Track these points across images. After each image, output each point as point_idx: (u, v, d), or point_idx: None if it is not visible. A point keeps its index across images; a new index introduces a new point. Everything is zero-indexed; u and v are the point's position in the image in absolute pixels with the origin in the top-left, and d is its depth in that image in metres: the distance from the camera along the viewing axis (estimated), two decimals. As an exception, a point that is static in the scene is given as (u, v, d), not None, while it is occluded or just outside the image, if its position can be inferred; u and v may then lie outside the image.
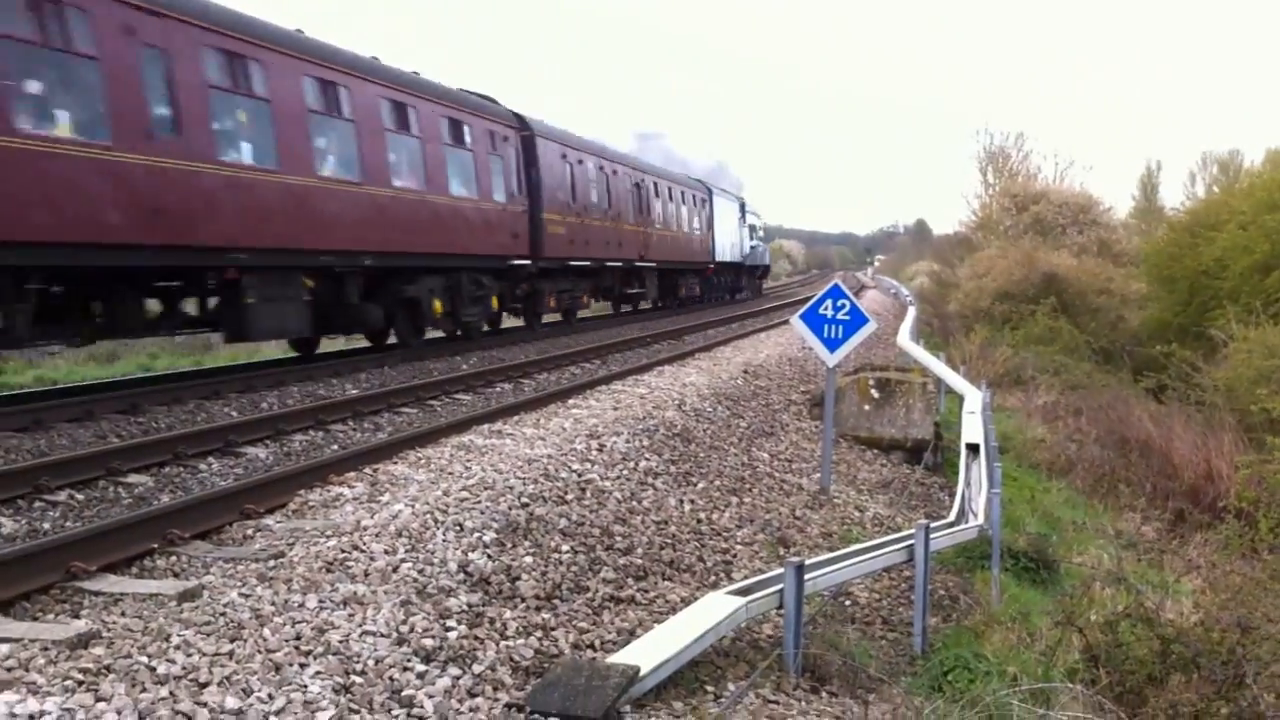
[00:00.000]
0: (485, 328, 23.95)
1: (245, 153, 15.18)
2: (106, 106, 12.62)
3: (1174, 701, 6.43)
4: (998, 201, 59.29)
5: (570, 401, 14.20)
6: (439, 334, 22.66)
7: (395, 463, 10.08)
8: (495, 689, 5.78)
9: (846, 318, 12.16)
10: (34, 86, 11.86)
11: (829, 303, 12.20)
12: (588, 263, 29.20)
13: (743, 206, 53.11)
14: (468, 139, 21.78)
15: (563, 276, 27.77)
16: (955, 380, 18.65)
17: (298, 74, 16.29)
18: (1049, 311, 34.64)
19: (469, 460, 10.11)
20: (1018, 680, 7.36)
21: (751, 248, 54.56)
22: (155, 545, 7.32)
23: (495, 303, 23.56)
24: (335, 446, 11.23)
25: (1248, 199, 34.36)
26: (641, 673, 5.74)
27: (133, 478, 9.36)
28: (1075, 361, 30.26)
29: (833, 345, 12.21)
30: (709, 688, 6.47)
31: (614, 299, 36.10)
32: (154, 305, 15.24)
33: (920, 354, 22.65)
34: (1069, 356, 30.78)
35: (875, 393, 16.19)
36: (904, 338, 26.74)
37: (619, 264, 32.43)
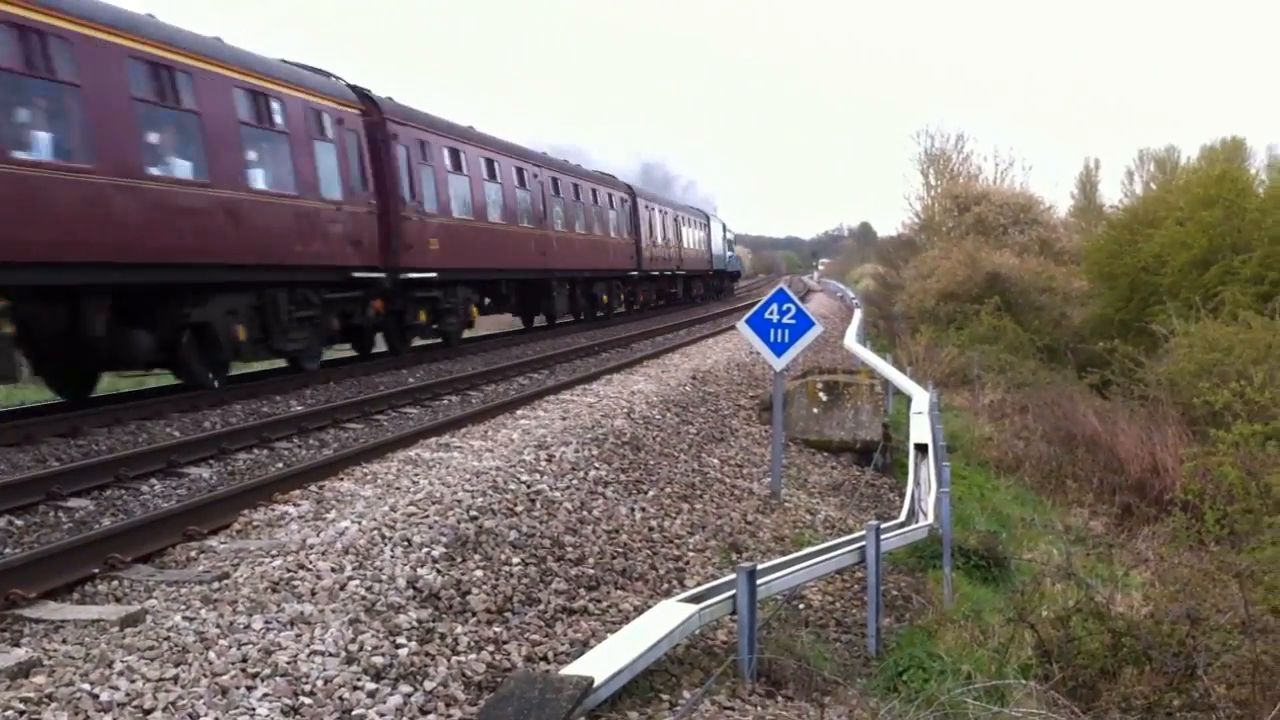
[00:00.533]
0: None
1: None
2: None
3: (1126, 694, 6.47)
4: (940, 203, 59.90)
5: (519, 412, 14.13)
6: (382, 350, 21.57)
7: (341, 479, 9.97)
8: (448, 705, 5.72)
9: (792, 322, 12.17)
10: None
11: (774, 307, 12.20)
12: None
13: (724, 226, 64.38)
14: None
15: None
16: (902, 381, 18.74)
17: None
18: (993, 311, 34.93)
19: (416, 474, 10.02)
20: (972, 678, 7.38)
21: (730, 257, 66.57)
22: (96, 570, 7.18)
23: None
24: (280, 464, 11.10)
25: (1184, 195, 34.88)
26: (596, 684, 5.70)
27: (73, 502, 9.19)
28: (1020, 360, 30.51)
29: (779, 349, 12.21)
30: (664, 696, 6.43)
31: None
32: None
33: (867, 356, 22.76)
34: (1014, 355, 31.05)
35: (824, 395, 16.22)
36: (851, 340, 26.88)
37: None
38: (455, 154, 24.02)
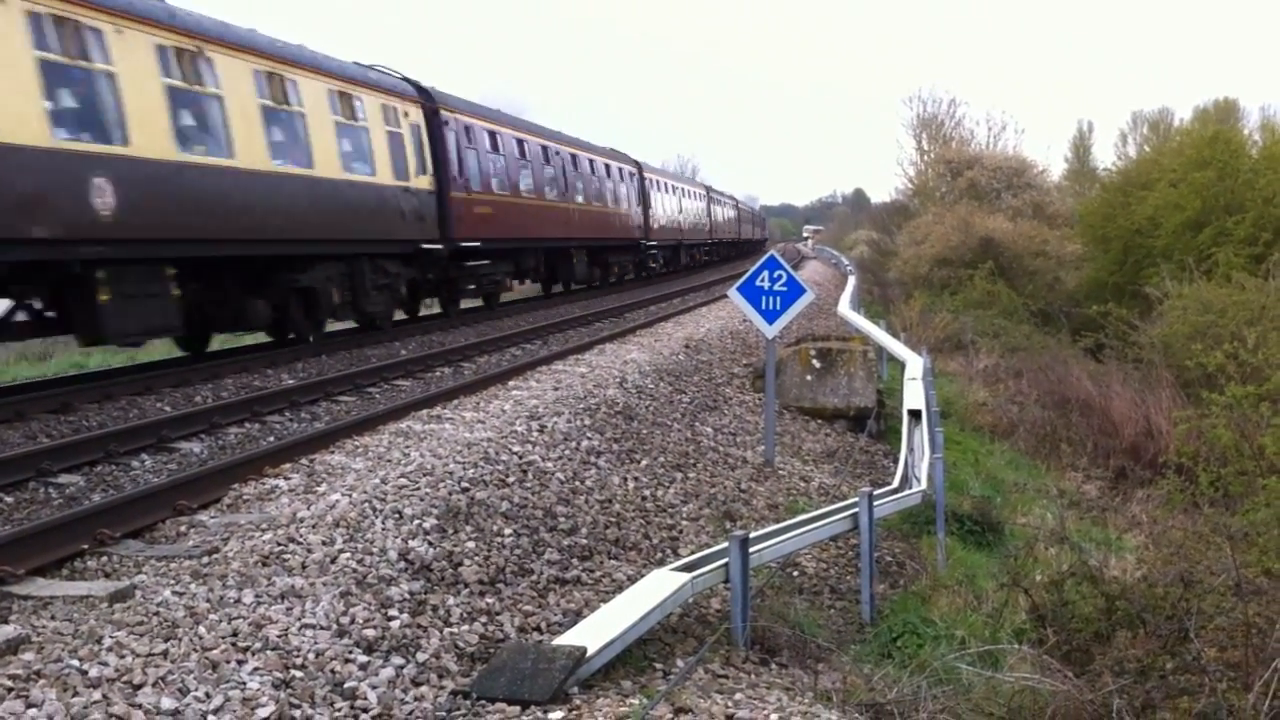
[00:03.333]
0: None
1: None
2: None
3: (1120, 658, 6.47)
4: (933, 168, 59.89)
5: (511, 383, 14.08)
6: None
7: (332, 452, 9.92)
8: (440, 676, 5.71)
9: (784, 289, 12.12)
10: None
11: (765, 274, 12.15)
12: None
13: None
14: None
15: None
16: (896, 347, 18.72)
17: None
18: (987, 275, 34.94)
19: (408, 446, 9.98)
20: (966, 643, 7.39)
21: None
22: (85, 546, 7.13)
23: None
24: (271, 438, 11.05)
25: (1178, 157, 34.88)
26: (588, 653, 5.69)
27: (64, 478, 9.14)
28: (1014, 324, 30.54)
29: (771, 317, 12.17)
30: (657, 665, 6.42)
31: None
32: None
33: (861, 322, 22.74)
34: (1008, 319, 31.08)
35: (817, 363, 16.20)
36: (844, 307, 26.85)
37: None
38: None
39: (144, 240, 13.92)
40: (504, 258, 27.42)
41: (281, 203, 16.97)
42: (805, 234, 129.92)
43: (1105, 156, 78.65)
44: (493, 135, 26.58)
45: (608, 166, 37.54)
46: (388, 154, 20.63)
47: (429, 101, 23.18)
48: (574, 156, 33.44)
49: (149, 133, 13.99)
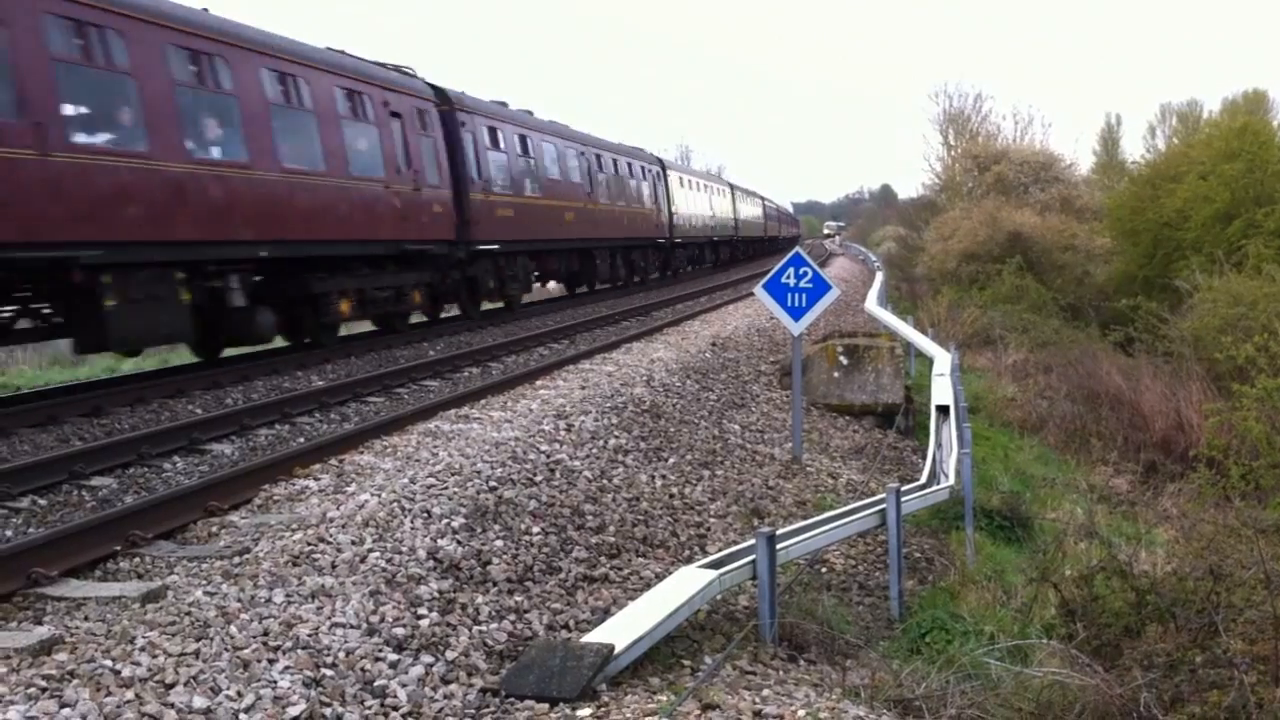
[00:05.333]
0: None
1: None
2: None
3: (1149, 652, 6.45)
4: (959, 163, 59.57)
5: (538, 383, 14.12)
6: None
7: (361, 452, 9.98)
8: (469, 674, 5.74)
9: (809, 286, 12.11)
10: None
11: (791, 271, 12.15)
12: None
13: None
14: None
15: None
16: (924, 343, 18.69)
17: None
18: (1015, 270, 34.74)
19: (436, 446, 10.03)
20: (995, 639, 7.37)
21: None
22: (118, 547, 7.21)
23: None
24: (301, 439, 11.12)
25: (1207, 149, 34.62)
26: (616, 650, 5.71)
27: (96, 480, 9.23)
28: (1043, 319, 30.36)
29: (797, 314, 12.16)
30: (685, 662, 6.44)
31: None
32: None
33: (888, 318, 22.69)
34: (1036, 314, 30.90)
35: (844, 359, 16.18)
36: (871, 303, 26.78)
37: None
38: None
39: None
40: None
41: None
42: (826, 230, 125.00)
43: (1134, 149, 78.30)
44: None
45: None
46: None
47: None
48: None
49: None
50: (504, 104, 27.60)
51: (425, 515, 7.54)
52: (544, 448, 9.85)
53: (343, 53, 19.68)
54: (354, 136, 18.82)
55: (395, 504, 7.69)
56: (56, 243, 12.23)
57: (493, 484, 8.43)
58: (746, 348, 19.48)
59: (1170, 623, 6.96)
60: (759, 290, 12.46)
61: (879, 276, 38.73)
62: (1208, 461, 12.81)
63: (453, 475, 8.53)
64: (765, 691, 5.87)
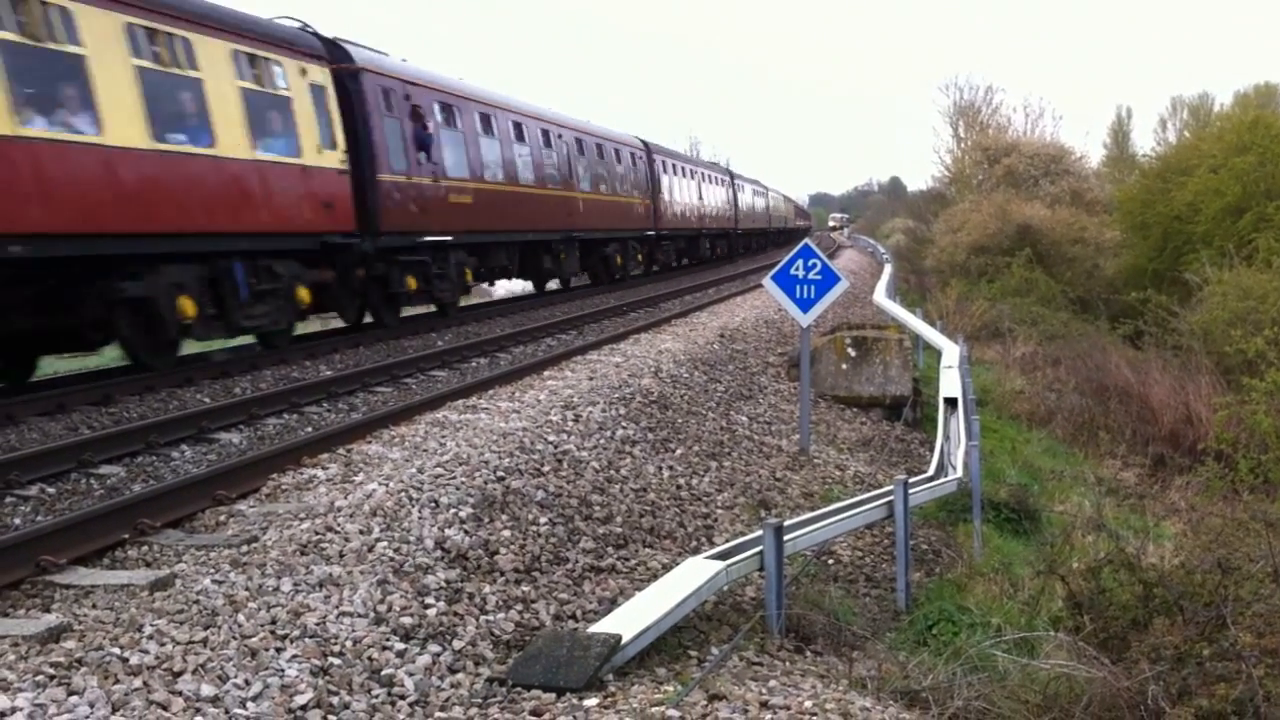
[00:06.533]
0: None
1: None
2: None
3: (1156, 645, 6.42)
4: (969, 156, 59.51)
5: (546, 373, 14.12)
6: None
7: (369, 442, 10.00)
8: (476, 664, 5.75)
9: (818, 277, 12.10)
10: None
11: (800, 263, 12.14)
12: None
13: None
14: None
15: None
16: (932, 335, 18.68)
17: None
18: (1024, 263, 34.71)
19: (444, 436, 10.04)
20: (1002, 631, 7.36)
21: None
22: (126, 535, 7.24)
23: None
24: (309, 428, 11.14)
25: (1218, 142, 34.52)
26: (623, 641, 5.71)
27: (105, 469, 9.25)
28: (1052, 311, 30.37)
29: (805, 305, 12.16)
30: (692, 652, 6.44)
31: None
32: None
33: (897, 310, 22.69)
34: (1045, 307, 30.90)
35: (852, 351, 16.16)
36: (880, 295, 26.77)
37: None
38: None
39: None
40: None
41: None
42: (832, 223, 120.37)
43: (1144, 142, 78.26)
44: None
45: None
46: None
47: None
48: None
49: None
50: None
51: (433, 505, 7.54)
52: (551, 438, 9.85)
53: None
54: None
55: (403, 493, 7.70)
56: None
57: (500, 474, 8.43)
58: (755, 339, 19.47)
59: (1178, 616, 6.94)
60: (767, 282, 12.45)
61: (887, 269, 38.70)
62: (1216, 455, 12.81)
63: (460, 465, 8.53)
64: (772, 682, 5.87)
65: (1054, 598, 8.18)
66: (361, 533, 6.93)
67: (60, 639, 5.51)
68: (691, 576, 6.63)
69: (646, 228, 36.66)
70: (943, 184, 63.99)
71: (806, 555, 8.51)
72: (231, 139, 14.90)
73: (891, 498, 8.50)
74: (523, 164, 25.74)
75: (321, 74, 17.47)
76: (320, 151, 17.09)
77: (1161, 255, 33.12)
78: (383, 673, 5.39)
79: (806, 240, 13.23)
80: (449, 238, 21.15)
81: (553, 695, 5.33)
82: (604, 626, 5.94)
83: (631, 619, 6.01)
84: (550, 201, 27.40)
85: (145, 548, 7.20)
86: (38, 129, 11.82)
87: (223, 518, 7.85)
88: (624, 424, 11.19)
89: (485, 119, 23.82)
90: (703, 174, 46.53)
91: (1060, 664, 6.34)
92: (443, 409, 11.60)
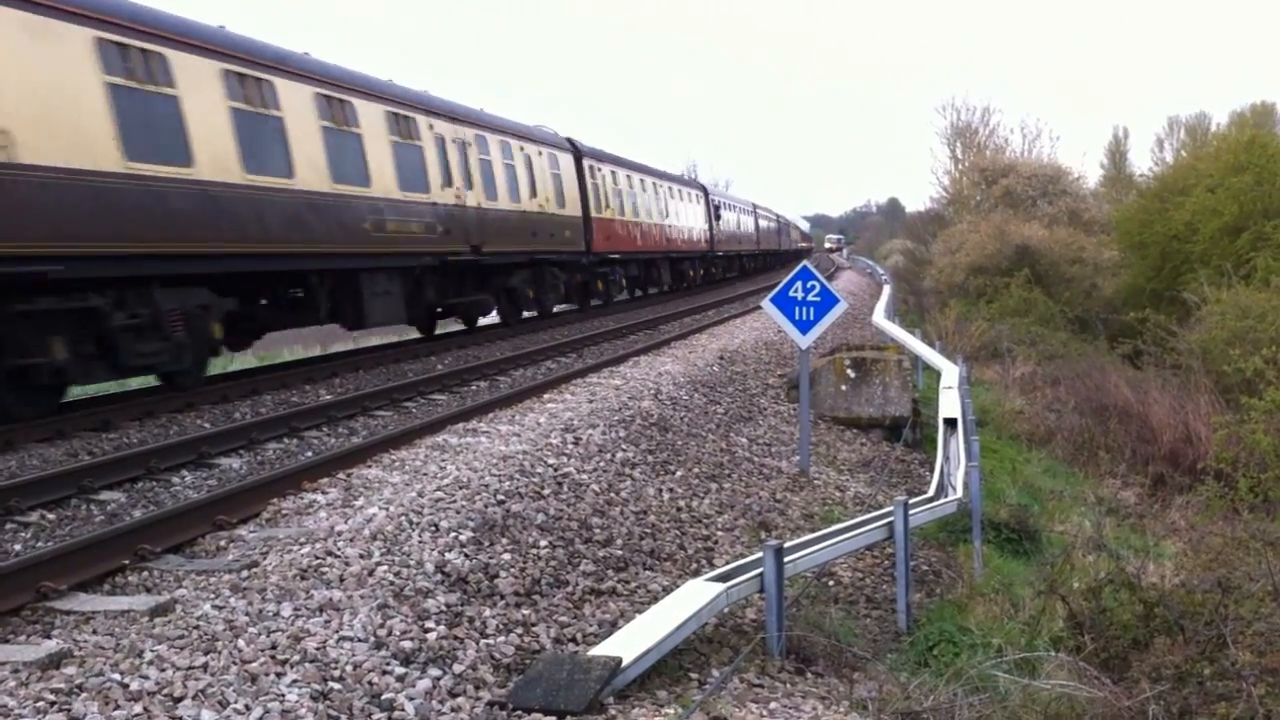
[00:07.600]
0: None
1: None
2: None
3: (1157, 664, 6.44)
4: (967, 176, 59.58)
5: (545, 396, 14.13)
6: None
7: (369, 466, 10.01)
8: (477, 688, 5.73)
9: (817, 299, 12.13)
10: None
11: (799, 285, 12.17)
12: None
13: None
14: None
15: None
16: (931, 356, 18.70)
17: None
18: (1023, 283, 34.75)
19: (444, 460, 10.04)
20: (1003, 651, 7.36)
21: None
22: (126, 561, 7.23)
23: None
24: (309, 453, 11.14)
25: (1215, 162, 34.62)
26: (624, 663, 5.71)
27: (105, 494, 9.25)
28: (1051, 331, 30.39)
29: (804, 327, 12.18)
30: (693, 675, 6.44)
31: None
32: None
33: (896, 331, 22.71)
34: (1044, 327, 30.93)
35: (851, 372, 16.18)
36: (879, 316, 26.80)
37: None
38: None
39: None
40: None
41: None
42: (828, 244, 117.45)
43: (1141, 162, 78.35)
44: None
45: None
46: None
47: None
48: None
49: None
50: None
51: (433, 529, 7.55)
52: (551, 461, 9.86)
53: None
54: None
55: (403, 517, 7.70)
56: None
57: (500, 497, 8.44)
58: (754, 361, 19.49)
59: (1178, 635, 6.95)
60: (766, 304, 12.47)
61: (886, 290, 38.74)
62: (1216, 474, 12.80)
63: (460, 489, 8.54)
64: (773, 704, 5.88)
65: (1055, 618, 8.18)
66: (362, 557, 6.93)
67: (60, 665, 5.51)
68: (692, 599, 6.63)
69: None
70: (941, 205, 64.01)
71: (807, 577, 8.52)
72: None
73: (892, 519, 8.50)
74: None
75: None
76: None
77: (1160, 275, 33.19)
78: (383, 697, 5.38)
79: (805, 262, 13.25)
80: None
81: (553, 719, 5.33)
82: (604, 649, 5.93)
83: (632, 642, 6.01)
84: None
85: (146, 573, 7.19)
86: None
87: (223, 543, 7.84)
88: (624, 446, 11.19)
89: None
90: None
91: (1061, 684, 6.34)
92: (443, 432, 11.61)
